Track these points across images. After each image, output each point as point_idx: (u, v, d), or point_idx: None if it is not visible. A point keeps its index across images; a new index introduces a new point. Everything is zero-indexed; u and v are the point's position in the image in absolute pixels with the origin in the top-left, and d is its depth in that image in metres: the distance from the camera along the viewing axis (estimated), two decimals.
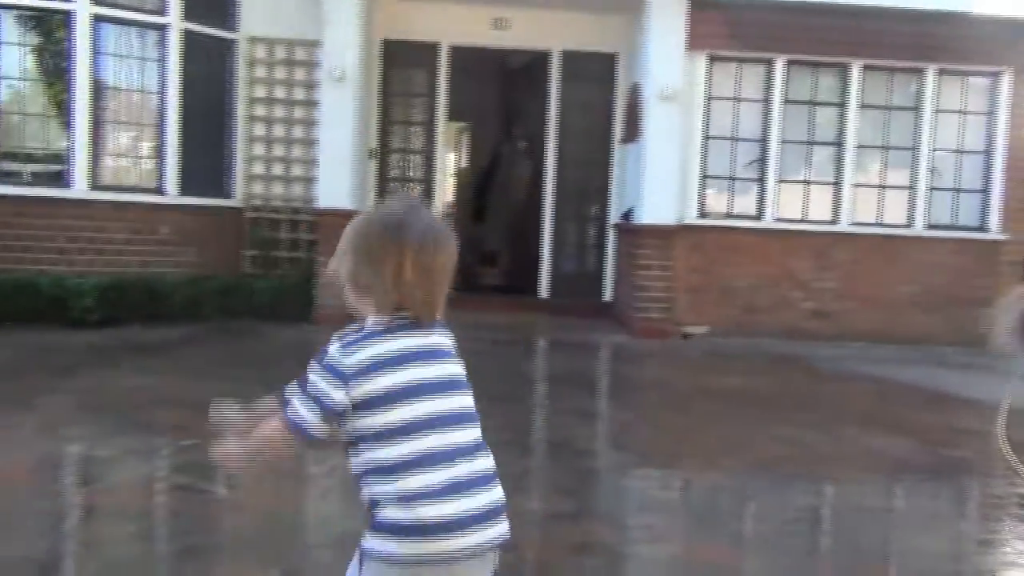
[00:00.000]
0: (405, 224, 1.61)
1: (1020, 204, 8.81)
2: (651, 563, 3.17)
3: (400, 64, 9.55)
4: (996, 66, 8.69)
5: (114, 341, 6.81)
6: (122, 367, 6.07)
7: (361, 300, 1.65)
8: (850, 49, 8.57)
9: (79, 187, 7.82)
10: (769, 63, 8.61)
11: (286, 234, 8.71)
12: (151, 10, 8.06)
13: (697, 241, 8.51)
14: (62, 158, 7.97)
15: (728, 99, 8.69)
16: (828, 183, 8.79)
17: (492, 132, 12.71)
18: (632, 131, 8.79)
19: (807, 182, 8.82)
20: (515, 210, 10.97)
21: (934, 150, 8.79)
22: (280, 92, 8.88)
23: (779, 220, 8.69)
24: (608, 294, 9.58)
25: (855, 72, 8.63)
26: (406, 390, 1.59)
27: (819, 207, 8.78)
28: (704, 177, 8.68)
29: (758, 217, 8.69)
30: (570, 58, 9.57)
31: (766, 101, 8.65)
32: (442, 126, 9.68)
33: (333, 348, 1.59)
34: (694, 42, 8.34)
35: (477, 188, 13.06)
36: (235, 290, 7.87)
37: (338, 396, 1.57)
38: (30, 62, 8.07)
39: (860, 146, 8.77)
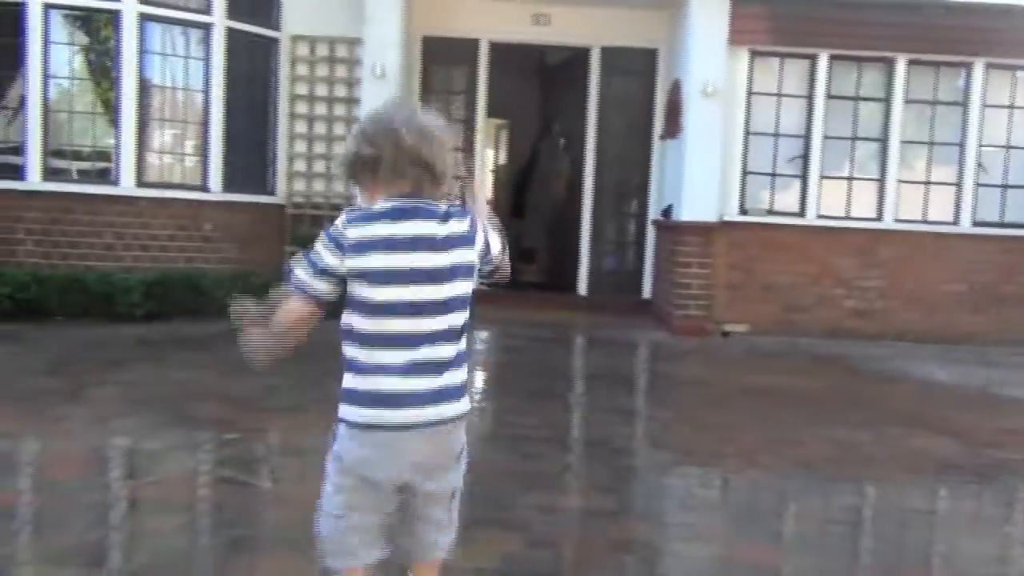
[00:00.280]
0: (397, 108, 1.87)
1: None
2: (692, 562, 3.16)
3: (440, 61, 9.58)
4: None
5: (159, 335, 6.92)
6: (167, 361, 6.17)
7: (365, 181, 1.85)
8: (895, 43, 8.43)
9: (125, 184, 7.96)
10: (812, 58, 8.50)
11: None
12: (196, 9, 8.18)
13: (738, 238, 8.44)
14: (108, 155, 8.11)
15: (770, 95, 8.60)
16: (872, 179, 8.66)
17: (531, 129, 12.70)
18: (673, 127, 8.73)
19: (850, 178, 8.69)
20: (554, 207, 10.96)
21: (981, 146, 8.62)
22: (322, 90, 8.96)
23: (822, 217, 8.58)
24: (647, 291, 9.53)
25: (900, 67, 8.50)
26: (389, 273, 1.78)
27: (863, 204, 8.65)
28: (745, 173, 8.60)
29: (800, 214, 8.59)
30: (610, 54, 9.54)
31: (809, 97, 8.54)
32: (481, 123, 9.69)
33: (340, 220, 1.81)
34: (736, 37, 8.27)
35: (516, 185, 13.07)
36: (276, 286, 7.95)
37: (333, 261, 1.81)
38: (77, 61, 8.20)
39: (905, 142, 8.63)
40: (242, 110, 8.54)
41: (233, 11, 8.31)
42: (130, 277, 7.44)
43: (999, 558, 3.45)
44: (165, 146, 8.45)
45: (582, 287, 9.72)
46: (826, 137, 8.55)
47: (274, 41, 8.79)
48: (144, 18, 7.91)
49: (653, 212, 9.43)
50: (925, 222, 8.65)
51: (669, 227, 8.71)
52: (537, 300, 9.71)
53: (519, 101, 12.36)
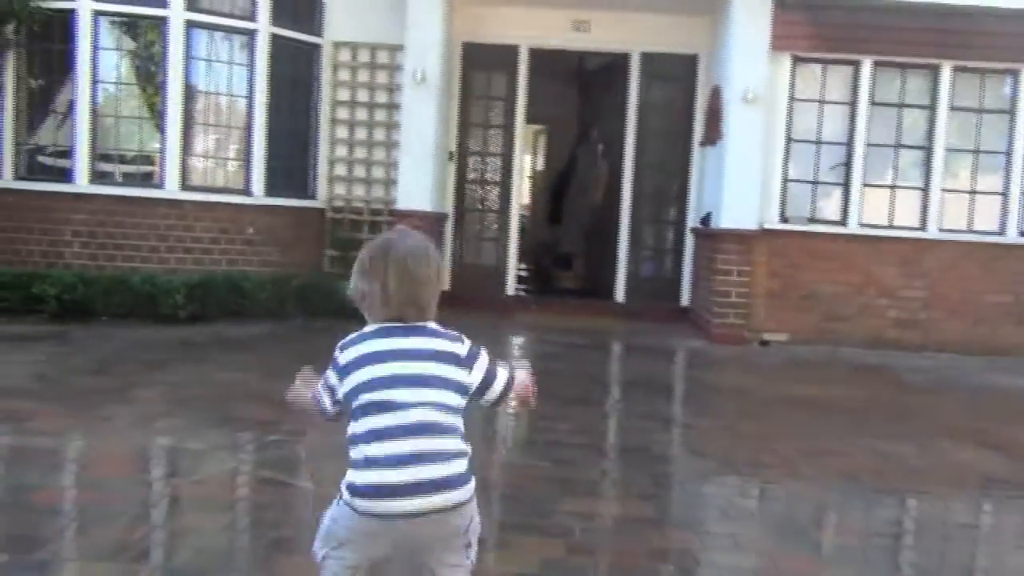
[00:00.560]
0: (391, 246, 2.07)
1: None
2: (732, 572, 3.13)
3: (480, 67, 9.62)
4: None
5: (201, 337, 7.02)
6: (209, 362, 6.26)
7: (364, 308, 2.08)
8: (940, 50, 8.31)
9: (170, 188, 8.09)
10: (855, 64, 8.40)
11: (366, 235, 8.84)
12: (241, 16, 8.30)
13: (778, 246, 8.37)
14: (154, 159, 8.26)
15: (812, 101, 8.52)
16: (916, 188, 8.54)
17: (570, 134, 12.73)
18: (713, 134, 8.68)
19: (893, 187, 8.58)
20: (592, 213, 10.95)
21: None
22: (362, 95, 9.04)
23: (864, 225, 8.47)
24: (685, 299, 9.48)
25: (945, 73, 8.38)
26: (377, 381, 2.00)
27: (906, 212, 8.53)
28: (786, 181, 8.52)
29: (842, 222, 8.49)
30: (650, 60, 9.51)
31: (852, 103, 8.44)
32: (520, 128, 9.70)
33: (336, 350, 2.06)
34: (777, 43, 8.20)
35: (554, 190, 13.09)
36: (316, 289, 8.02)
37: (334, 381, 2.07)
38: (125, 67, 8.37)
39: (950, 149, 8.50)
40: (285, 115, 8.65)
41: (277, 18, 8.43)
42: (173, 279, 7.55)
43: None
44: (209, 150, 8.59)
45: (619, 294, 9.69)
46: (869, 144, 8.45)
47: (317, 47, 8.90)
48: (190, 25, 8.05)
49: (692, 219, 9.38)
50: (970, 231, 8.51)
51: (708, 234, 8.66)
52: (574, 306, 9.71)
53: (558, 107, 12.39)
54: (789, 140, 8.48)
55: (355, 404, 2.02)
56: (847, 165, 8.48)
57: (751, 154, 8.18)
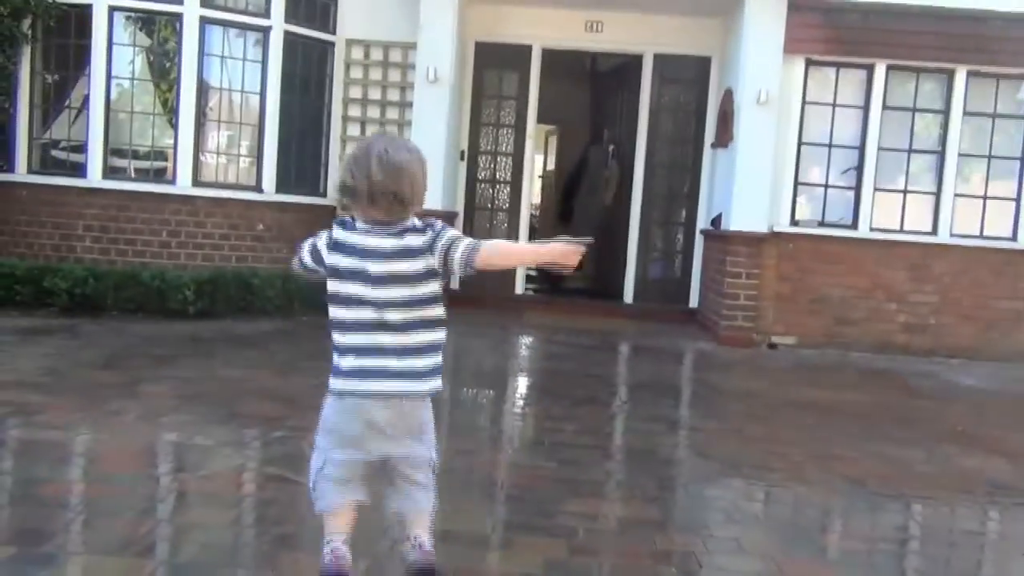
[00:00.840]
0: (374, 140, 2.33)
1: None
2: (734, 575, 3.13)
3: (492, 66, 9.62)
4: None
5: (210, 333, 7.05)
6: (217, 358, 6.29)
7: (353, 205, 2.32)
8: (955, 55, 8.27)
9: (182, 183, 8.12)
10: (869, 68, 8.37)
11: None
12: (255, 12, 8.33)
13: (788, 249, 8.35)
14: (166, 155, 8.29)
15: (825, 104, 8.49)
16: (928, 193, 8.50)
17: (581, 134, 12.71)
18: (724, 136, 8.67)
19: (905, 191, 8.54)
20: (602, 213, 10.94)
21: None
22: (375, 93, 9.06)
23: (875, 230, 8.45)
24: (694, 301, 9.46)
25: (960, 78, 8.34)
26: (349, 271, 2.32)
27: (917, 217, 8.50)
28: (797, 184, 8.50)
29: (853, 226, 8.46)
30: (662, 61, 9.49)
31: (865, 107, 8.41)
32: (532, 128, 9.70)
33: (334, 226, 2.38)
34: (791, 46, 8.18)
35: (565, 190, 13.08)
36: (325, 287, 8.03)
37: (320, 246, 2.40)
38: (139, 62, 8.39)
39: (963, 155, 8.46)
40: (297, 112, 8.68)
41: (291, 15, 8.45)
42: (183, 275, 7.59)
43: None
44: (221, 147, 8.61)
45: (628, 295, 9.69)
46: (881, 149, 8.42)
47: (330, 45, 8.92)
48: (205, 21, 8.08)
49: (702, 221, 9.37)
50: (981, 237, 8.47)
51: (718, 236, 8.64)
52: (583, 307, 9.71)
53: (570, 107, 12.38)
54: (801, 143, 8.46)
55: (331, 288, 2.35)
56: (859, 169, 8.45)
57: (762, 157, 8.17)
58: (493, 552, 3.16)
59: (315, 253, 2.42)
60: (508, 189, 9.75)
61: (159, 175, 8.31)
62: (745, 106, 8.16)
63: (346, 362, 2.33)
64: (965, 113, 8.40)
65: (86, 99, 8.14)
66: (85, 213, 8.07)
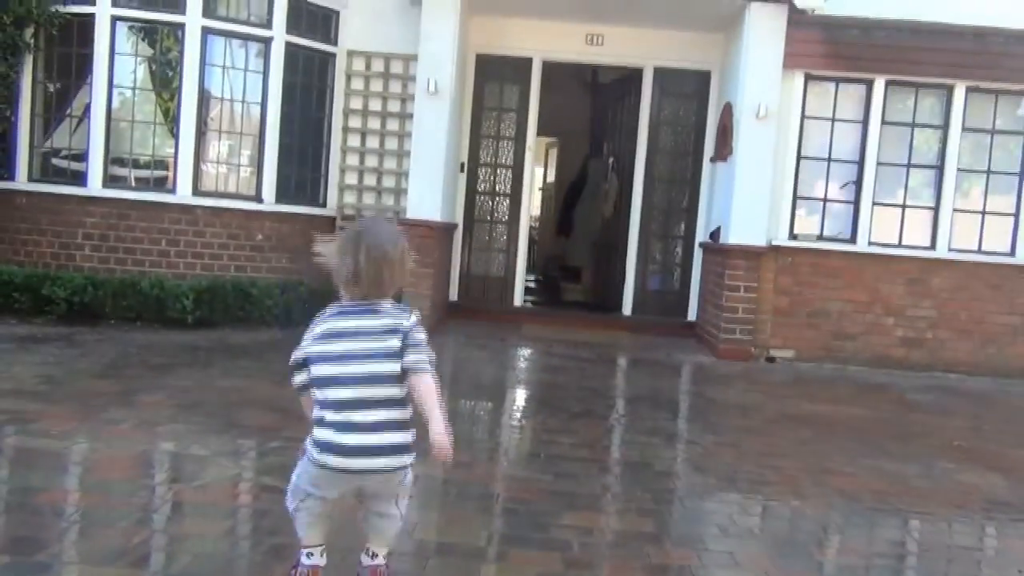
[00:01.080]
0: (363, 232, 2.50)
1: None
2: None
3: (493, 78, 9.65)
4: None
5: (208, 342, 7.05)
6: (215, 368, 6.29)
7: (338, 281, 2.49)
8: (954, 70, 8.31)
9: (182, 192, 8.14)
10: (868, 83, 8.41)
11: None
12: (257, 23, 8.36)
13: (786, 263, 8.37)
14: (167, 164, 8.31)
15: (824, 119, 8.52)
16: (926, 207, 8.53)
17: (581, 147, 12.76)
18: (723, 149, 8.69)
19: (904, 206, 8.56)
20: (601, 226, 10.97)
21: None
22: (375, 104, 9.09)
23: (873, 244, 8.46)
24: (692, 314, 9.47)
25: (959, 94, 8.37)
26: (333, 356, 2.45)
27: (916, 232, 8.52)
28: (796, 198, 8.52)
29: (851, 240, 8.48)
30: (663, 75, 9.53)
31: (864, 122, 8.44)
32: (532, 140, 9.73)
33: (313, 322, 2.52)
34: (790, 61, 8.22)
35: (564, 203, 13.11)
36: (323, 297, 8.00)
37: (306, 347, 2.51)
38: (141, 72, 8.42)
39: (961, 170, 8.48)
40: (297, 123, 8.71)
41: (293, 26, 8.49)
42: (182, 284, 7.60)
43: None
44: (222, 156, 8.63)
45: (627, 307, 9.69)
46: (880, 163, 8.45)
47: (331, 56, 8.95)
48: (207, 31, 8.12)
49: (701, 234, 9.39)
50: (980, 252, 8.49)
51: (717, 250, 8.66)
52: (581, 319, 9.72)
53: (570, 119, 12.43)
54: (800, 157, 8.48)
55: (314, 371, 2.46)
56: (858, 183, 8.47)
57: (761, 171, 8.19)
58: (488, 565, 3.15)
59: (300, 366, 2.56)
60: (508, 201, 9.77)
61: (159, 184, 8.33)
62: (744, 120, 8.18)
63: (323, 435, 2.48)
64: (964, 128, 8.43)
65: (87, 108, 8.16)
66: (85, 221, 8.08)
